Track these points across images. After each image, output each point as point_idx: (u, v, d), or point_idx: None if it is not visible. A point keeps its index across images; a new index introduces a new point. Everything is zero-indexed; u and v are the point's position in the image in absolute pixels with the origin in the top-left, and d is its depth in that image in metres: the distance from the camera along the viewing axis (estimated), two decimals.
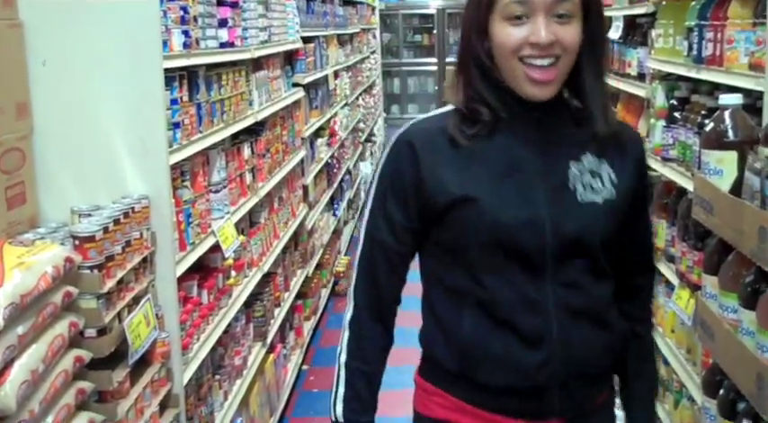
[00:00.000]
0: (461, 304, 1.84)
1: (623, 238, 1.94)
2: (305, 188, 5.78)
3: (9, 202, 2.44)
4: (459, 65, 1.86)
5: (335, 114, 7.44)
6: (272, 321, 4.54)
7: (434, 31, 16.59)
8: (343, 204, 7.95)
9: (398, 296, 1.94)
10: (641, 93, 4.25)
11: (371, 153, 10.71)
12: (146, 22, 2.65)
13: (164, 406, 2.75)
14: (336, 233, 7.43)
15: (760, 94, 2.69)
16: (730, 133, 2.46)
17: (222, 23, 3.51)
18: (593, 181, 1.82)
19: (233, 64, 3.80)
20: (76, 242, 2.27)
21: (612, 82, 4.90)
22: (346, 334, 1.92)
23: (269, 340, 4.42)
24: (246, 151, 4.00)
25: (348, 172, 8.27)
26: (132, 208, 2.52)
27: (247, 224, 4.26)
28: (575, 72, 1.81)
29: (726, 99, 2.50)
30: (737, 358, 2.26)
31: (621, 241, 1.93)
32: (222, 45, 3.51)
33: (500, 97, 1.81)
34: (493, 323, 1.81)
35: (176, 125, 2.87)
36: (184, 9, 3.02)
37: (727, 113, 2.48)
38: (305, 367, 5.50)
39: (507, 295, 1.80)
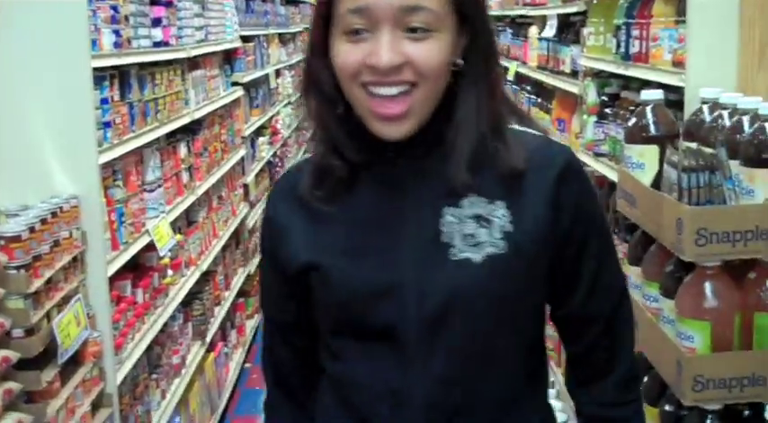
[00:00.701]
0: (326, 390, 1.50)
1: (560, 301, 1.49)
2: (245, 187, 5.77)
3: None
4: (302, 96, 1.45)
5: (278, 113, 7.44)
6: (212, 320, 4.53)
7: None
8: None
9: (309, 373, 1.54)
10: (575, 90, 4.32)
11: None
12: (73, 21, 2.64)
13: (97, 405, 2.73)
14: None
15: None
16: (651, 128, 2.53)
17: (156, 23, 3.49)
18: (478, 230, 1.36)
19: (169, 63, 3.79)
20: (2, 242, 2.25)
21: (548, 79, 4.98)
22: (263, 418, 1.63)
23: (208, 339, 4.41)
24: (183, 150, 3.99)
25: None
26: (60, 208, 2.51)
27: (185, 223, 4.24)
28: (449, 98, 1.39)
29: (647, 94, 2.57)
30: (659, 346, 2.33)
31: (558, 306, 1.50)
32: (156, 44, 3.50)
33: (353, 139, 1.39)
34: (349, 418, 1.45)
35: (107, 124, 2.86)
36: (115, 8, 3.00)
37: (648, 109, 2.55)
38: (247, 365, 5.50)
39: (369, 385, 1.41)
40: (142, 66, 3.36)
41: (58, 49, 2.64)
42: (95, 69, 2.75)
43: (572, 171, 1.42)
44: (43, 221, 2.39)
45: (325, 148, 1.41)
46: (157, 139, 3.52)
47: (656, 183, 2.39)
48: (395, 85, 1.31)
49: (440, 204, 1.37)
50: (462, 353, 1.38)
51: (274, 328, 1.57)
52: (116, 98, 3.00)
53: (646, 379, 2.52)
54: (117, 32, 3.02)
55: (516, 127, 1.44)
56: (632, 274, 2.61)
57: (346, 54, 1.32)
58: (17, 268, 2.26)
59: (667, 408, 2.34)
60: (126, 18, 3.14)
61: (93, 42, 2.78)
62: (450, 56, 1.34)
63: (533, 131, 1.46)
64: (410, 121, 1.34)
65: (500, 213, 1.37)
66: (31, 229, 2.33)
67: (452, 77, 1.37)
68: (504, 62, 6.67)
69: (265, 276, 1.56)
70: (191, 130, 4.22)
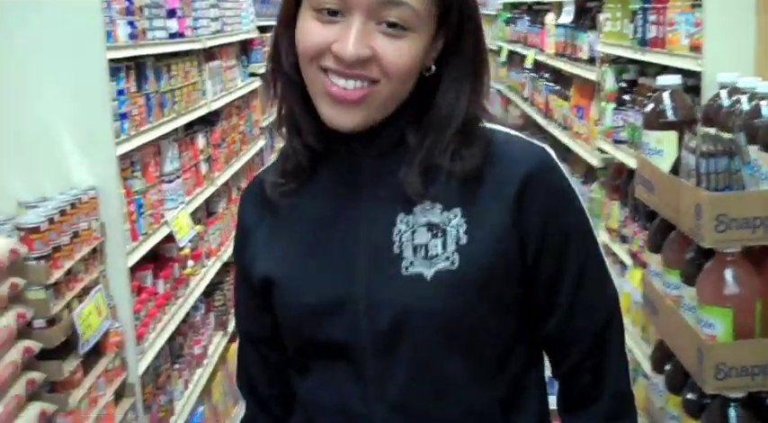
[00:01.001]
0: (297, 409, 1.41)
1: (536, 322, 1.33)
2: None
3: None
4: (268, 72, 1.34)
5: None
6: (233, 310, 4.54)
7: None
8: None
9: (287, 390, 1.42)
10: (593, 76, 4.31)
11: None
12: (87, 12, 2.65)
13: (119, 395, 2.76)
14: None
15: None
16: (669, 114, 2.51)
17: (171, 14, 3.50)
18: (432, 241, 1.23)
19: (185, 54, 3.79)
20: (22, 234, 2.27)
21: (566, 66, 4.95)
22: None
23: (230, 329, 4.43)
24: (201, 141, 4.00)
25: None
26: (79, 199, 2.52)
27: (205, 214, 4.26)
28: (424, 92, 1.28)
29: (664, 80, 2.55)
30: (680, 333, 2.32)
31: (535, 328, 1.34)
32: (172, 35, 3.51)
33: (314, 126, 1.29)
34: None
35: (124, 115, 2.87)
36: (129, 0, 3.01)
37: (665, 94, 2.53)
38: None
39: (330, 407, 1.32)
40: (158, 57, 3.37)
41: (73, 41, 2.64)
42: (111, 61, 2.76)
43: (544, 170, 1.27)
44: (62, 213, 2.41)
45: (288, 132, 1.32)
46: (175, 130, 3.53)
47: (675, 169, 2.38)
48: (353, 79, 1.20)
49: (394, 210, 1.26)
50: (417, 377, 1.26)
51: (248, 342, 1.45)
52: (132, 89, 3.01)
53: (668, 367, 2.51)
54: (132, 24, 3.02)
55: (488, 125, 1.30)
56: (653, 261, 2.60)
57: (311, 33, 1.20)
58: (37, 259, 2.28)
59: (690, 396, 2.32)
60: (141, 9, 3.15)
61: (109, 34, 2.78)
62: (421, 59, 1.23)
63: (507, 129, 1.31)
64: (363, 113, 1.22)
65: (455, 223, 1.24)
66: (51, 221, 2.34)
67: (432, 77, 1.27)
68: (521, 49, 6.65)
69: (238, 286, 1.44)
70: (208, 121, 4.23)
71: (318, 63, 1.21)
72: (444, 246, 1.23)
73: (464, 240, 1.23)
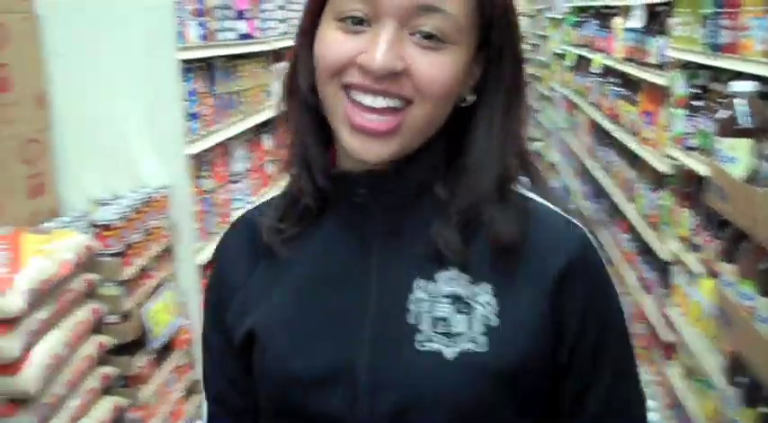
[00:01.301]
0: None
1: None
2: None
3: (30, 193, 2.49)
4: (284, 93, 1.13)
5: None
6: None
7: None
8: None
9: None
10: (662, 81, 4.24)
11: None
12: (160, 13, 2.70)
13: (190, 391, 2.79)
14: None
15: None
16: (743, 120, 2.46)
17: (240, 15, 3.54)
18: (454, 316, 1.04)
19: (253, 55, 3.83)
20: (96, 230, 2.31)
21: (634, 71, 4.90)
22: None
23: None
24: (268, 142, 4.04)
25: None
26: (151, 197, 2.57)
27: None
28: (455, 131, 1.08)
29: (738, 86, 2.50)
30: (754, 346, 2.27)
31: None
32: (241, 37, 3.55)
33: (325, 163, 1.10)
34: None
35: (194, 116, 2.91)
36: (200, 1, 3.05)
37: (738, 100, 2.48)
38: None
39: None
40: (227, 58, 3.41)
41: (145, 42, 2.69)
42: (182, 61, 2.80)
43: (587, 262, 1.09)
44: (135, 211, 2.45)
45: (299, 166, 1.11)
46: (244, 131, 3.57)
47: (750, 177, 2.33)
48: (382, 96, 1.00)
49: (411, 272, 1.06)
50: None
51: (218, 405, 1.21)
52: (203, 90, 3.05)
53: (742, 379, 2.47)
54: (203, 25, 3.06)
55: (525, 191, 1.11)
56: (726, 271, 2.55)
57: (333, 43, 1.01)
58: (110, 256, 2.32)
59: (765, 409, 2.27)
60: (211, 11, 3.19)
61: (180, 35, 2.83)
62: (460, 81, 1.03)
63: (547, 203, 1.13)
64: (395, 143, 1.02)
65: (484, 300, 1.05)
66: (124, 218, 2.38)
67: (460, 114, 1.07)
68: (587, 53, 6.59)
69: (207, 338, 1.20)
70: (274, 122, 4.26)
71: (340, 79, 1.01)
72: (470, 324, 1.04)
73: (494, 322, 1.04)
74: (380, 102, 1.00)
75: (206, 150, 3.05)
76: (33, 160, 2.52)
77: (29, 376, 1.85)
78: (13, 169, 2.43)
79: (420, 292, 1.05)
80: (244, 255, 1.15)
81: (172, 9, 2.74)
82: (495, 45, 1.05)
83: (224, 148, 3.35)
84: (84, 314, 2.15)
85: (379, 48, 0.98)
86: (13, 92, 2.45)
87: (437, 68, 1.00)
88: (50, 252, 2.04)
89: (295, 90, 1.09)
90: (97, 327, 2.26)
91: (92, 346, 2.17)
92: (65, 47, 2.67)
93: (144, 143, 2.73)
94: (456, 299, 1.04)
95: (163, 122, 2.74)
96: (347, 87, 1.01)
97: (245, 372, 1.14)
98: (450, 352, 1.03)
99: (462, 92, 1.06)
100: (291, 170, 1.12)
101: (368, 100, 1.00)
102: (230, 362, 1.16)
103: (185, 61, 2.85)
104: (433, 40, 1.00)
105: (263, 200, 1.20)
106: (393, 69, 0.99)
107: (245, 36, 3.61)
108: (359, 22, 1.00)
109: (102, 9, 2.69)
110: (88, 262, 2.19)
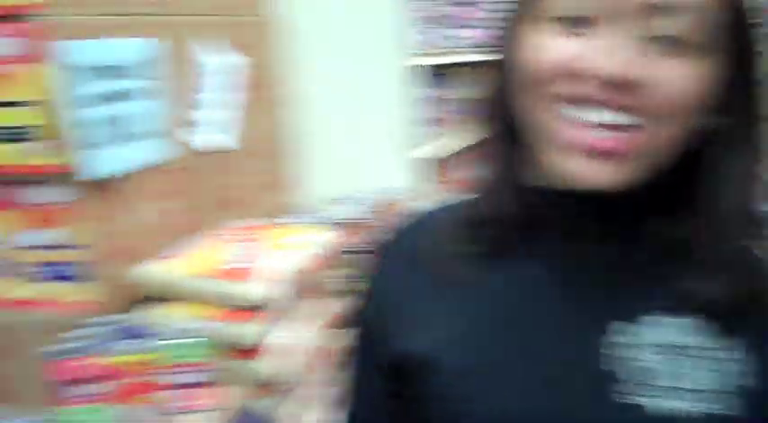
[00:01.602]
0: None
1: None
2: None
3: (272, 189, 2.59)
4: (484, 107, 0.99)
5: None
6: None
7: None
8: None
9: None
10: None
11: None
12: (392, 20, 2.79)
13: None
14: None
15: None
16: None
17: (467, 25, 3.59)
18: (709, 374, 0.85)
19: (483, 64, 3.85)
20: (339, 227, 2.38)
21: None
22: None
23: None
24: None
25: None
26: (388, 198, 2.62)
27: None
28: (686, 156, 0.88)
29: None
30: None
31: None
32: (472, 45, 3.59)
33: (517, 187, 0.94)
34: None
35: (429, 120, 2.95)
36: (430, 9, 3.11)
37: None
38: None
39: None
40: (459, 65, 3.45)
41: (383, 48, 2.79)
42: (418, 67, 2.87)
43: None
44: (374, 211, 2.51)
45: (500, 184, 0.95)
46: (473, 137, 3.59)
47: None
48: (610, 109, 0.81)
49: (615, 311, 0.88)
50: None
51: None
52: (438, 96, 3.09)
53: None
54: (431, 32, 3.11)
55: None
56: None
57: (550, 47, 0.83)
58: (356, 252, 2.37)
59: None
60: (441, 19, 3.23)
61: (415, 41, 2.89)
62: (702, 93, 0.83)
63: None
64: (629, 166, 0.83)
65: (734, 354, 0.86)
66: (365, 217, 2.44)
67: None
68: None
69: (356, 365, 1.07)
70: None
71: (550, 89, 0.84)
72: (721, 380, 0.86)
73: (750, 382, 0.86)
74: (607, 116, 0.81)
75: (440, 154, 3.09)
76: (276, 157, 2.63)
77: (269, 363, 1.91)
78: (262, 165, 2.54)
79: (619, 336, 0.88)
80: (405, 267, 1.00)
81: (405, 16, 2.81)
82: (742, 53, 0.85)
83: (459, 154, 3.39)
84: (326, 308, 2.21)
85: (608, 51, 0.80)
86: (266, 91, 2.57)
87: (679, 76, 0.81)
88: (298, 245, 2.11)
89: (499, 104, 0.94)
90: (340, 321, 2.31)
91: (331, 340, 2.23)
92: (311, 51, 2.78)
93: (380, 146, 2.80)
94: (677, 348, 0.87)
95: (398, 126, 2.80)
96: (558, 99, 0.84)
97: (390, 396, 1.00)
98: (678, 407, 0.85)
99: (701, 110, 0.85)
100: (483, 188, 0.96)
101: (592, 115, 0.81)
102: (378, 382, 1.01)
103: (421, 67, 2.92)
104: (671, 44, 0.81)
105: (435, 206, 1.05)
106: (624, 76, 0.80)
107: (475, 45, 3.64)
108: (579, 22, 0.83)
109: (349, 16, 2.80)
110: (334, 257, 2.25)
